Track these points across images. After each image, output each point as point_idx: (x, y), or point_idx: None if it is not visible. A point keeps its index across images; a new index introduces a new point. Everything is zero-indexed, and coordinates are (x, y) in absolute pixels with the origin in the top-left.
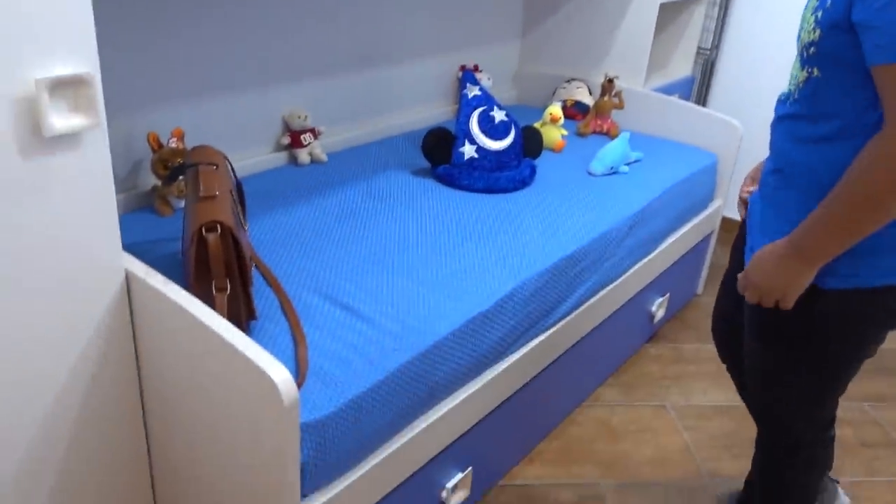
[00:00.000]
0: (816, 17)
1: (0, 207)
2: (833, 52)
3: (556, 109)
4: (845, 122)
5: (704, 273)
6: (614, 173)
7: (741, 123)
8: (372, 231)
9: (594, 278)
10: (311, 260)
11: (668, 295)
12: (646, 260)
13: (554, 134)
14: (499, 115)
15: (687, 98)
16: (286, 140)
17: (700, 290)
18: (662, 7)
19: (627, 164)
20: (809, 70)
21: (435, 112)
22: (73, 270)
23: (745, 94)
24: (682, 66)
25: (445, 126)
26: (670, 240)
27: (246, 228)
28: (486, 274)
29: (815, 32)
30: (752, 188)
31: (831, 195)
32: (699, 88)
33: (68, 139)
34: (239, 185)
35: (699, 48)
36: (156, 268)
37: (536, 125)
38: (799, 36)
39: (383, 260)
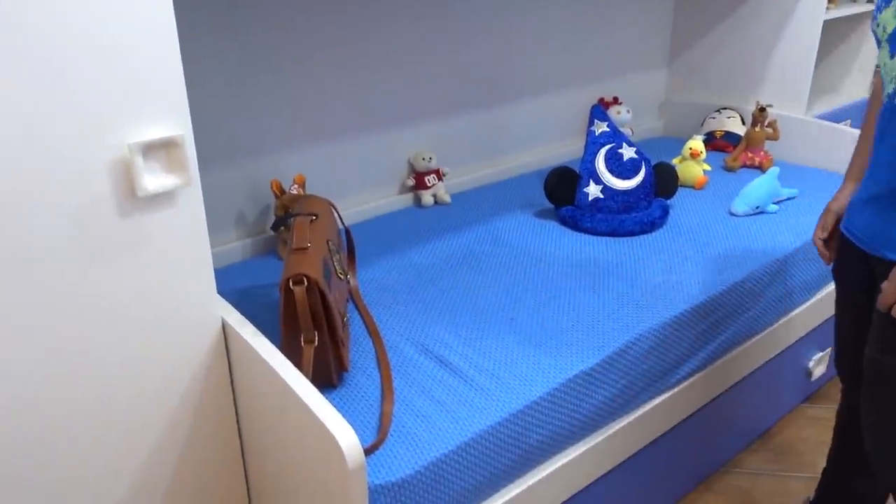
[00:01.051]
0: None
1: (101, 263)
2: None
3: (696, 143)
4: None
5: None
6: (760, 213)
7: None
8: (485, 278)
9: (729, 332)
10: (416, 308)
11: (829, 349)
12: (801, 308)
13: (694, 170)
14: (628, 153)
15: (860, 125)
16: (411, 182)
17: None
18: (828, 25)
19: (777, 203)
20: None
21: (570, 148)
22: (171, 321)
23: None
24: (857, 89)
25: (577, 165)
26: (829, 288)
27: (347, 278)
28: (597, 326)
29: None
30: (824, 236)
31: None
32: None
33: (162, 197)
34: (347, 233)
35: (876, 67)
36: (266, 313)
37: (675, 161)
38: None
39: (491, 309)
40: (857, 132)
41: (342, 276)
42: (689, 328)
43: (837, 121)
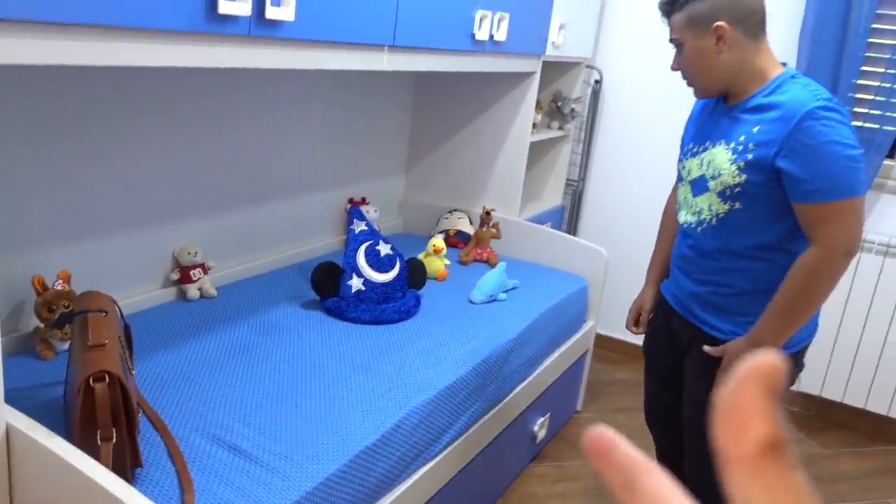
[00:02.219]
0: (739, 166)
1: None
2: (755, 193)
3: (438, 241)
4: (772, 239)
5: (582, 390)
6: (494, 301)
7: (607, 249)
8: (261, 367)
9: (477, 404)
10: (199, 400)
11: (549, 414)
12: (525, 382)
13: (437, 264)
14: (384, 249)
15: (558, 226)
16: (175, 276)
17: (579, 406)
18: (533, 144)
19: (505, 292)
20: (733, 203)
21: (325, 243)
22: None
23: (611, 222)
24: (554, 197)
25: (334, 257)
26: (548, 361)
27: (133, 373)
28: (372, 406)
29: (739, 177)
30: (631, 325)
31: (776, 301)
32: (569, 217)
33: None
34: (127, 329)
35: (568, 180)
36: (36, 415)
37: (420, 256)
38: (707, 177)
39: (273, 396)
40: (556, 232)
41: (133, 372)
42: (446, 403)
43: (541, 223)
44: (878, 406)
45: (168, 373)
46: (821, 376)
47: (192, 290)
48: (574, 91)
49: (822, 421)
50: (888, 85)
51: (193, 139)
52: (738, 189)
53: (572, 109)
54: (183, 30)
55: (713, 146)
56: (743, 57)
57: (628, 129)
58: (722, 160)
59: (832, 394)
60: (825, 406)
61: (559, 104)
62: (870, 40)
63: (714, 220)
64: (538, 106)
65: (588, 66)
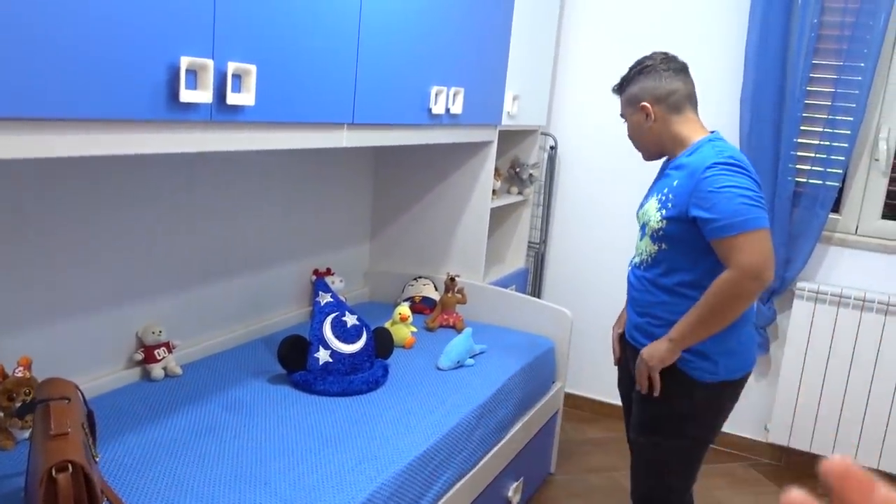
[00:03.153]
0: (662, 213)
1: None
2: (675, 235)
3: (404, 309)
4: (690, 278)
5: (555, 452)
6: (461, 367)
7: (571, 309)
8: (228, 446)
9: (449, 473)
10: (165, 484)
11: (522, 479)
12: (496, 447)
13: (404, 332)
14: (351, 320)
15: (523, 289)
16: (139, 356)
17: (553, 468)
18: (494, 209)
19: (473, 357)
20: (660, 245)
21: (291, 315)
22: None
23: (574, 283)
24: (517, 260)
25: (301, 330)
26: (518, 425)
27: (98, 459)
28: (343, 482)
29: (662, 223)
30: (620, 330)
31: (692, 311)
32: (533, 279)
33: None
34: (91, 415)
35: (530, 243)
36: None
37: (387, 325)
38: (646, 223)
39: (241, 476)
40: (521, 295)
41: (97, 459)
42: (417, 473)
43: (506, 286)
44: (845, 453)
45: (132, 457)
46: (787, 427)
47: (157, 370)
48: (531, 157)
49: (793, 472)
50: (826, 143)
51: (154, 218)
52: (661, 232)
53: (530, 175)
54: (146, 119)
55: (650, 198)
56: (667, 127)
57: (584, 191)
58: (652, 209)
59: (800, 444)
60: (796, 456)
61: (517, 170)
62: (806, 102)
63: (649, 259)
64: (497, 173)
65: (543, 133)
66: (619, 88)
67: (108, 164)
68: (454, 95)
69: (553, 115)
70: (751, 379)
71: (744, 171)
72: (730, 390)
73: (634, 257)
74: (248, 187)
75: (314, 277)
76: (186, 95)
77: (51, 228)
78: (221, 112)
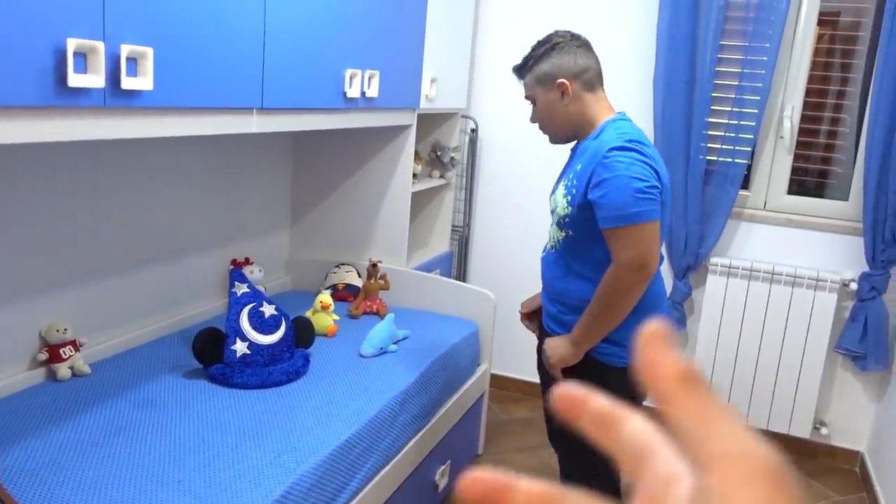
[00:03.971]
0: (568, 199)
1: None
2: (580, 221)
3: (325, 297)
4: (594, 260)
5: (482, 433)
6: (384, 353)
7: (496, 292)
8: (141, 445)
9: (372, 460)
10: (71, 488)
11: (449, 462)
12: (422, 432)
13: (326, 320)
14: (269, 310)
15: (447, 272)
16: (43, 356)
17: (480, 450)
18: (416, 193)
19: (396, 343)
20: (567, 231)
21: (209, 307)
22: None
23: (498, 265)
24: (441, 244)
25: (218, 322)
26: (444, 408)
27: None
28: (261, 475)
29: (568, 209)
30: (524, 311)
31: (587, 309)
32: (458, 262)
33: None
34: None
35: (454, 226)
36: None
37: (308, 313)
38: (554, 210)
39: (154, 476)
40: (443, 279)
41: None
42: (339, 462)
43: (430, 270)
44: (777, 426)
45: (35, 461)
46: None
47: (63, 370)
48: (452, 140)
49: None
50: (735, 122)
51: (56, 208)
52: (567, 219)
53: (452, 158)
54: (31, 105)
55: (558, 185)
56: (583, 107)
57: (506, 173)
58: (560, 196)
59: None
60: None
61: (439, 153)
62: (716, 82)
63: (557, 245)
64: (417, 156)
65: (463, 116)
66: (525, 68)
67: None
68: (369, 78)
69: (473, 97)
70: None
71: (641, 158)
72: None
73: (546, 243)
74: (158, 172)
75: (231, 267)
76: (75, 80)
77: None
78: (116, 97)
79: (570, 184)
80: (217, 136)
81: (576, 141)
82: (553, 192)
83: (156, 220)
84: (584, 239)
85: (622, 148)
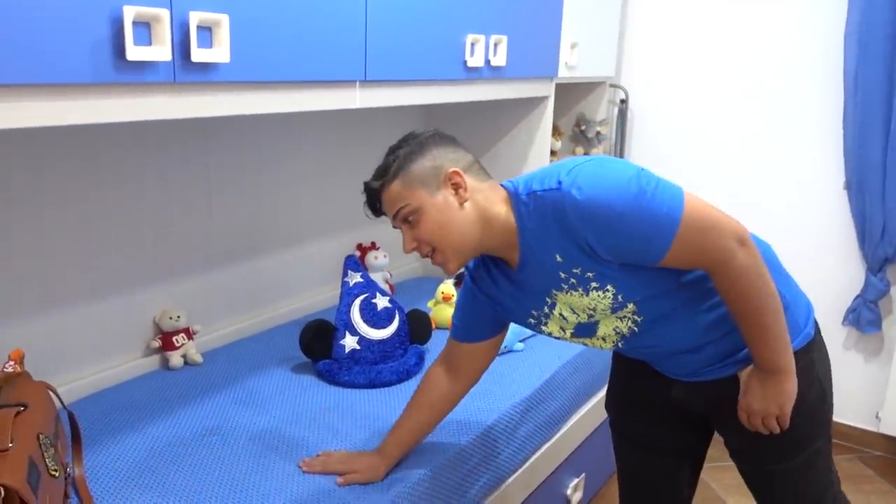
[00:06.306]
0: (593, 286)
1: None
2: (633, 280)
3: (447, 287)
4: (694, 284)
5: None
6: (508, 352)
7: None
8: (236, 449)
9: (487, 475)
10: (160, 494)
11: (583, 475)
12: (550, 442)
13: (446, 312)
14: (382, 302)
15: None
16: (157, 343)
17: None
18: None
19: (522, 341)
20: (630, 303)
21: (326, 296)
22: None
23: None
24: None
25: (331, 314)
26: (576, 416)
27: (67, 471)
28: (357, 488)
29: (606, 291)
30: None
31: (748, 327)
32: None
33: None
34: (71, 417)
35: None
36: None
37: (430, 304)
38: (588, 319)
39: (243, 485)
40: None
41: (55, 474)
42: (452, 472)
43: None
44: None
45: (128, 459)
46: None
47: (176, 358)
48: (598, 113)
49: None
50: None
51: (171, 195)
52: (620, 297)
53: (598, 133)
54: (87, 83)
55: (556, 302)
56: (482, 202)
57: (661, 150)
58: (578, 299)
59: None
60: None
61: (583, 128)
62: None
63: (635, 327)
64: (557, 131)
65: (611, 86)
66: (388, 176)
67: (104, 136)
68: (495, 45)
69: (623, 65)
70: (860, 360)
71: (594, 169)
72: (820, 344)
73: (601, 346)
74: (275, 157)
75: (357, 253)
76: (136, 52)
77: (43, 212)
78: (187, 71)
79: (573, 280)
80: (340, 111)
81: (493, 264)
82: (539, 322)
83: (274, 205)
84: (656, 286)
85: (562, 185)
